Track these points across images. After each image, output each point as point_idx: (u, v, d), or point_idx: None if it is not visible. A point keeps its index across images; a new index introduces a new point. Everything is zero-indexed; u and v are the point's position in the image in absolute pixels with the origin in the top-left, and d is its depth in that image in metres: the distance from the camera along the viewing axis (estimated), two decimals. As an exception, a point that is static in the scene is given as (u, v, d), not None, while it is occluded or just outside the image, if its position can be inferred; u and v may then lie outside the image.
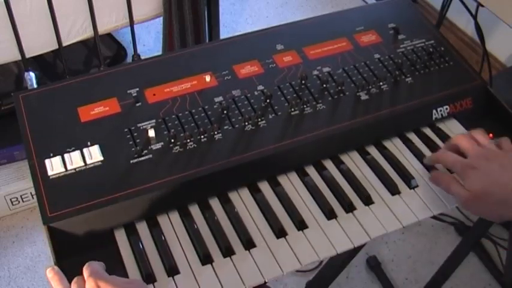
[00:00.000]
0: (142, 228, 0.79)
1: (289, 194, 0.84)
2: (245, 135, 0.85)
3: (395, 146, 0.92)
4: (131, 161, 0.80)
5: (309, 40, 1.00)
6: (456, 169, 0.80)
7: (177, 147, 0.83)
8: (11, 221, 1.69)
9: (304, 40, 0.99)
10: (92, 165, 0.80)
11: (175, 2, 1.59)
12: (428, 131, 0.94)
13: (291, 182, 0.86)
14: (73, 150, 0.81)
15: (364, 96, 0.92)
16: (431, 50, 1.00)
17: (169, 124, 0.85)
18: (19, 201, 1.68)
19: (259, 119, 0.87)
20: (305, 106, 0.89)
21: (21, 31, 1.41)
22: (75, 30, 1.51)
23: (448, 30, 2.15)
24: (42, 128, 0.84)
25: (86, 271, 0.67)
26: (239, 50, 0.98)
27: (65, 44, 1.52)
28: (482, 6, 1.31)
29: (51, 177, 0.78)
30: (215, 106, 0.88)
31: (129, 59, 2.00)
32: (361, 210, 0.83)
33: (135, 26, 1.61)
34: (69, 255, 0.73)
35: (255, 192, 0.84)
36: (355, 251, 1.08)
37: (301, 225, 0.80)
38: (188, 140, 0.84)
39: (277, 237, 0.79)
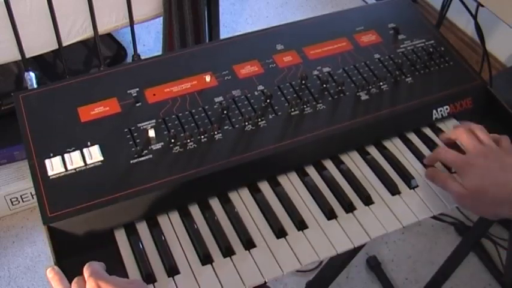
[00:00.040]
0: (142, 228, 0.79)
1: (289, 194, 0.84)
2: (245, 135, 0.85)
3: (395, 146, 0.92)
4: (131, 161, 0.80)
5: (309, 40, 1.00)
6: (455, 166, 0.80)
7: (177, 147, 0.83)
8: (11, 221, 1.69)
9: (304, 40, 0.99)
10: (92, 165, 0.80)
11: (175, 2, 1.59)
12: (428, 131, 0.94)
13: (291, 182, 0.86)
14: (73, 150, 0.81)
15: (364, 96, 0.92)
16: (431, 50, 1.00)
17: (169, 124, 0.85)
18: (19, 201, 1.68)
19: (259, 119, 0.87)
20: (305, 106, 0.89)
21: (21, 31, 1.41)
22: (75, 30, 1.51)
23: (448, 30, 2.15)
24: (42, 128, 0.84)
25: (86, 271, 0.67)
26: (239, 50, 0.98)
27: (65, 44, 1.52)
28: (482, 6, 1.31)
29: (51, 177, 0.78)
30: (215, 106, 0.88)
31: (129, 59, 2.00)
32: (361, 210, 0.83)
33: (135, 26, 1.61)
34: (69, 255, 0.73)
35: (255, 192, 0.84)
36: (355, 251, 1.08)
37: (301, 225, 0.80)
38: (188, 140, 0.84)
39: (277, 237, 0.79)
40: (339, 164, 0.88)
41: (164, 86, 0.90)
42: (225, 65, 0.94)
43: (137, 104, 0.87)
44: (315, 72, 0.94)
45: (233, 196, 0.83)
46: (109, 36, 2.02)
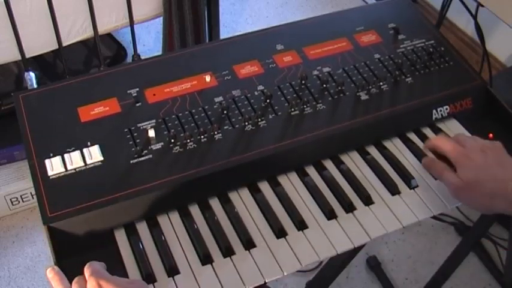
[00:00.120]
0: (142, 228, 0.79)
1: (289, 194, 0.84)
2: (245, 135, 0.85)
3: (395, 146, 0.92)
4: (131, 161, 0.80)
5: (309, 40, 1.00)
6: (452, 156, 0.80)
7: (177, 147, 0.83)
8: (11, 221, 1.69)
9: (304, 40, 0.99)
10: (92, 165, 0.80)
11: (175, 2, 1.59)
12: (428, 131, 0.94)
13: (291, 182, 0.86)
14: (73, 150, 0.81)
15: (364, 96, 0.92)
16: (431, 50, 1.00)
17: (169, 124, 0.85)
18: (19, 201, 1.68)
19: (259, 119, 0.87)
20: (305, 106, 0.89)
21: (21, 31, 1.41)
22: (75, 30, 1.51)
23: (448, 30, 2.15)
24: (42, 128, 0.84)
25: (87, 271, 0.67)
26: (239, 50, 0.98)
27: (65, 44, 1.52)
28: (482, 6, 1.31)
29: (51, 177, 0.78)
30: (215, 106, 0.88)
31: (129, 59, 2.00)
32: (361, 210, 0.83)
33: (135, 26, 1.61)
34: (69, 255, 0.73)
35: (255, 192, 0.84)
36: (355, 251, 1.08)
37: (301, 225, 0.80)
38: (188, 140, 0.84)
39: (277, 237, 0.79)
40: (339, 164, 0.88)
41: (164, 86, 0.90)
42: (225, 65, 0.94)
43: (137, 104, 0.87)
44: (315, 72, 0.94)
45: (233, 196, 0.83)
46: (109, 36, 2.02)
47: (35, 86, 1.49)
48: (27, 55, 1.47)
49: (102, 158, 0.80)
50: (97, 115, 0.86)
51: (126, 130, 0.84)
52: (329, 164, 0.88)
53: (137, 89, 0.89)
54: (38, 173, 0.78)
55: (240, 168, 0.82)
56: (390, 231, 0.81)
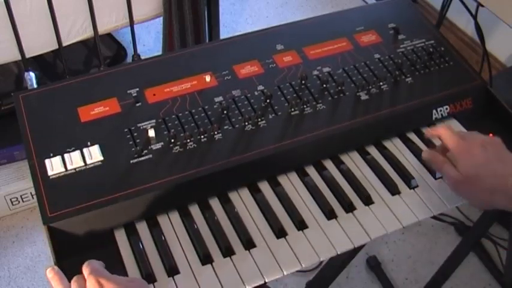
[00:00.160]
0: (142, 228, 0.79)
1: (289, 194, 0.84)
2: (245, 135, 0.85)
3: (395, 146, 0.92)
4: (131, 161, 0.80)
5: (309, 40, 1.00)
6: (453, 148, 0.80)
7: (177, 147, 0.83)
8: (11, 221, 1.69)
9: (304, 40, 0.99)
10: (92, 165, 0.80)
11: (175, 2, 1.59)
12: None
13: (291, 182, 0.86)
14: (73, 150, 0.81)
15: (364, 96, 0.92)
16: (431, 50, 1.00)
17: (169, 124, 0.85)
18: (19, 201, 1.68)
19: (259, 119, 0.87)
20: (305, 106, 0.89)
21: (21, 31, 1.41)
22: (75, 30, 1.51)
23: (448, 30, 2.15)
24: (42, 128, 0.84)
25: (86, 269, 0.67)
26: (239, 50, 0.98)
27: (65, 44, 1.52)
28: (482, 6, 1.31)
29: (51, 177, 0.78)
30: (215, 106, 0.88)
31: (129, 59, 2.00)
32: (361, 210, 0.83)
33: (135, 26, 1.61)
34: (69, 255, 0.73)
35: (255, 192, 0.84)
36: (355, 251, 1.08)
37: (301, 225, 0.80)
38: (188, 140, 0.84)
39: (277, 237, 0.79)
40: (339, 164, 0.88)
41: (164, 86, 0.90)
42: (225, 65, 0.94)
43: (137, 104, 0.87)
44: (315, 72, 0.94)
45: (233, 196, 0.83)
46: (109, 36, 2.02)
47: (35, 86, 1.49)
48: (27, 55, 1.47)
49: (102, 158, 0.80)
50: (97, 115, 0.86)
51: (126, 130, 0.84)
52: (329, 164, 0.88)
53: (137, 89, 0.89)
54: (38, 173, 0.78)
55: (240, 168, 0.82)
56: (390, 231, 0.81)
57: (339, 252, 0.78)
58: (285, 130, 0.86)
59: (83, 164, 0.80)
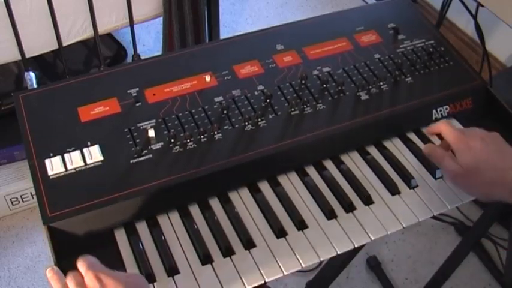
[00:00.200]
0: (142, 228, 0.79)
1: (289, 194, 0.84)
2: (245, 135, 0.85)
3: (395, 146, 0.92)
4: (131, 161, 0.80)
5: (309, 40, 1.00)
6: (453, 141, 0.81)
7: (177, 147, 0.83)
8: (11, 221, 1.69)
9: (304, 40, 0.99)
10: (92, 165, 0.80)
11: (175, 2, 1.59)
12: (428, 131, 0.94)
13: (291, 182, 0.86)
14: (73, 150, 0.81)
15: (364, 96, 0.92)
16: (431, 50, 1.00)
17: (169, 124, 0.85)
18: (19, 201, 1.67)
19: (259, 119, 0.87)
20: (305, 106, 0.89)
21: (21, 31, 1.41)
22: (75, 30, 1.51)
23: (448, 30, 2.15)
24: (42, 128, 0.84)
25: (82, 265, 0.66)
26: (239, 50, 0.98)
27: (65, 44, 1.52)
28: (482, 6, 1.31)
29: (51, 177, 0.78)
30: (215, 106, 0.88)
31: (129, 59, 2.00)
32: (361, 210, 0.83)
33: (135, 26, 1.61)
34: (69, 255, 0.73)
35: (255, 192, 0.84)
36: (355, 251, 1.08)
37: (301, 225, 0.80)
38: (188, 140, 0.84)
39: (277, 237, 0.79)
40: (339, 164, 0.88)
41: (164, 86, 0.90)
42: (225, 65, 0.94)
43: (137, 104, 0.87)
44: (315, 72, 0.94)
45: (233, 196, 0.83)
46: (109, 36, 2.02)
47: (35, 86, 1.49)
48: (27, 55, 1.47)
49: (102, 158, 0.80)
50: (97, 115, 0.86)
51: (126, 130, 0.84)
52: (329, 164, 0.88)
53: (137, 89, 0.89)
54: (38, 173, 0.78)
55: (240, 168, 0.82)
56: (390, 231, 0.81)
57: (339, 252, 0.78)
58: (285, 130, 0.86)
59: (83, 164, 0.80)
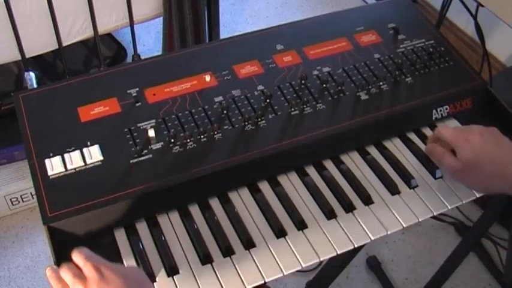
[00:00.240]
0: (142, 228, 0.79)
1: (289, 194, 0.84)
2: (245, 135, 0.85)
3: (395, 146, 0.92)
4: (131, 161, 0.80)
5: (309, 40, 1.00)
6: (451, 140, 0.82)
7: (177, 147, 0.83)
8: (11, 221, 1.69)
9: (304, 40, 0.99)
10: (92, 165, 0.80)
11: (175, 2, 1.59)
12: (428, 131, 0.94)
13: (291, 182, 0.86)
14: (73, 150, 0.81)
15: (364, 96, 0.92)
16: (431, 50, 1.00)
17: (169, 124, 0.85)
18: (19, 201, 1.67)
19: (259, 119, 0.87)
20: (305, 106, 0.89)
21: (21, 31, 1.41)
22: (75, 30, 1.51)
23: (448, 30, 2.15)
24: (42, 128, 0.84)
25: (79, 256, 0.66)
26: (239, 50, 0.98)
27: (65, 44, 1.52)
28: (482, 6, 1.31)
29: (51, 177, 0.78)
30: (215, 106, 0.88)
31: (129, 59, 2.00)
32: (361, 210, 0.83)
33: (135, 26, 1.61)
34: (69, 255, 0.73)
35: (255, 192, 0.84)
36: (355, 251, 1.08)
37: (301, 225, 0.80)
38: (188, 140, 0.84)
39: (277, 237, 0.79)
40: (339, 164, 0.88)
41: (164, 86, 0.90)
42: (225, 65, 0.94)
43: (137, 104, 0.87)
44: (315, 72, 0.94)
45: (233, 196, 0.83)
46: (109, 36, 2.02)
47: (35, 86, 1.49)
48: (27, 55, 1.47)
49: (102, 158, 0.80)
50: (97, 115, 0.86)
51: (126, 130, 0.84)
52: (329, 164, 0.88)
53: (137, 89, 0.89)
54: (38, 173, 0.78)
55: (240, 168, 0.82)
56: (390, 231, 0.81)
57: (339, 252, 0.78)
58: (285, 130, 0.86)
59: (82, 164, 0.80)
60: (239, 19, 2.40)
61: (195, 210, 0.82)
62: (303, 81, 0.92)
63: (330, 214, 0.82)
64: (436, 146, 0.84)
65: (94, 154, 0.80)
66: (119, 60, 1.99)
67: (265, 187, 0.85)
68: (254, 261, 0.76)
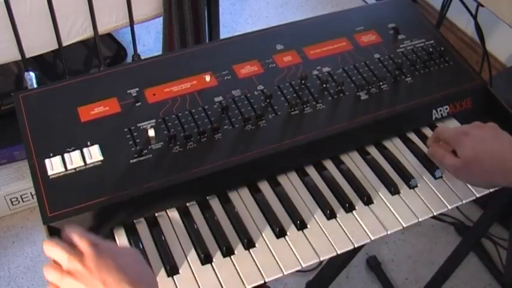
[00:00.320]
0: (142, 228, 0.79)
1: (289, 194, 0.84)
2: (245, 135, 0.85)
3: (395, 146, 0.92)
4: (131, 161, 0.80)
5: (309, 40, 1.00)
6: (451, 138, 0.82)
7: (177, 147, 0.83)
8: (11, 221, 1.69)
9: (304, 40, 0.99)
10: (92, 165, 0.80)
11: (175, 2, 1.59)
12: (428, 131, 0.94)
13: (291, 182, 0.86)
14: (73, 150, 0.81)
15: (364, 96, 0.92)
16: (431, 50, 1.00)
17: (169, 124, 0.85)
18: (19, 201, 1.68)
19: (259, 119, 0.87)
20: (305, 106, 0.89)
21: (21, 31, 1.41)
22: (75, 30, 1.51)
23: (448, 30, 2.15)
24: (42, 128, 0.84)
25: (73, 234, 0.64)
26: (239, 50, 0.98)
27: (65, 44, 1.52)
28: (482, 6, 1.31)
29: (51, 177, 0.78)
30: (215, 106, 0.88)
31: (129, 59, 2.00)
32: (361, 210, 0.83)
33: (135, 26, 1.61)
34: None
35: (255, 192, 0.84)
36: (355, 251, 1.08)
37: (301, 225, 0.80)
38: (188, 140, 0.84)
39: (277, 237, 0.79)
40: (339, 164, 0.88)
41: (164, 86, 0.90)
42: (225, 65, 0.94)
43: (137, 104, 0.87)
44: (315, 72, 0.94)
45: (233, 196, 0.83)
46: (109, 36, 2.02)
47: (35, 86, 1.49)
48: (27, 55, 1.47)
49: (102, 158, 0.80)
50: (97, 115, 0.86)
51: (126, 130, 0.84)
52: (329, 164, 0.88)
53: (137, 89, 0.89)
54: (38, 173, 0.78)
55: (240, 168, 0.82)
56: (390, 231, 0.81)
57: (339, 252, 0.78)
58: (284, 130, 0.87)
59: (82, 164, 0.80)
60: (239, 19, 2.40)
61: (195, 210, 0.82)
62: (303, 81, 0.92)
63: (330, 214, 0.82)
64: (438, 149, 0.84)
65: (94, 154, 0.80)
66: (119, 60, 1.99)
67: (265, 187, 0.85)
68: (254, 261, 0.76)
